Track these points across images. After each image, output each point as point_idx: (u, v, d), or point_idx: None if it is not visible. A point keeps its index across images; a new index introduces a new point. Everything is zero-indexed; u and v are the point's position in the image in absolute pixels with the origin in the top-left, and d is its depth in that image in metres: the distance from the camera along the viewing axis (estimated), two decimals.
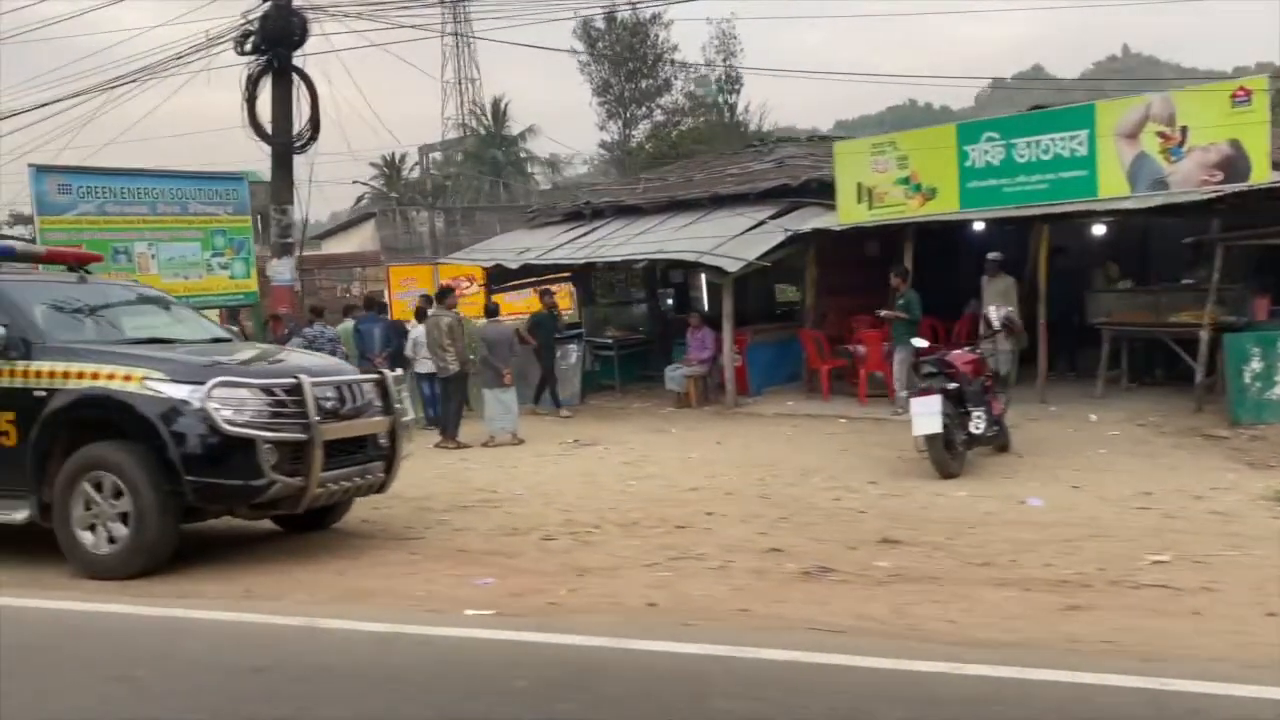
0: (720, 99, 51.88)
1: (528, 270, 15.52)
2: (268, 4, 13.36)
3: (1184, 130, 10.23)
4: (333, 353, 10.51)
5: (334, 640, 4.38)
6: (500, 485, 8.96)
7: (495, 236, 18.43)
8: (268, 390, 5.92)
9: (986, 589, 5.23)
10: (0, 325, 6.07)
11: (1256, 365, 9.54)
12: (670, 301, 17.96)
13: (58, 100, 14.10)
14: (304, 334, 12.08)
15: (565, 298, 18.18)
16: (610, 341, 15.96)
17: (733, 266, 12.66)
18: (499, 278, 16.53)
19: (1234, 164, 10.01)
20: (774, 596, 5.13)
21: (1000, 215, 11.53)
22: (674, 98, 58.84)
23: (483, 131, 55.47)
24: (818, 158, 15.85)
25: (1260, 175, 9.90)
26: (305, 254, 17.10)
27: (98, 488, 5.84)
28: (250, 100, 13.59)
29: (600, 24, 52.34)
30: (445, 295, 13.40)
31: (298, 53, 13.58)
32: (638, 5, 41.60)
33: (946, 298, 13.58)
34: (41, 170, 11.68)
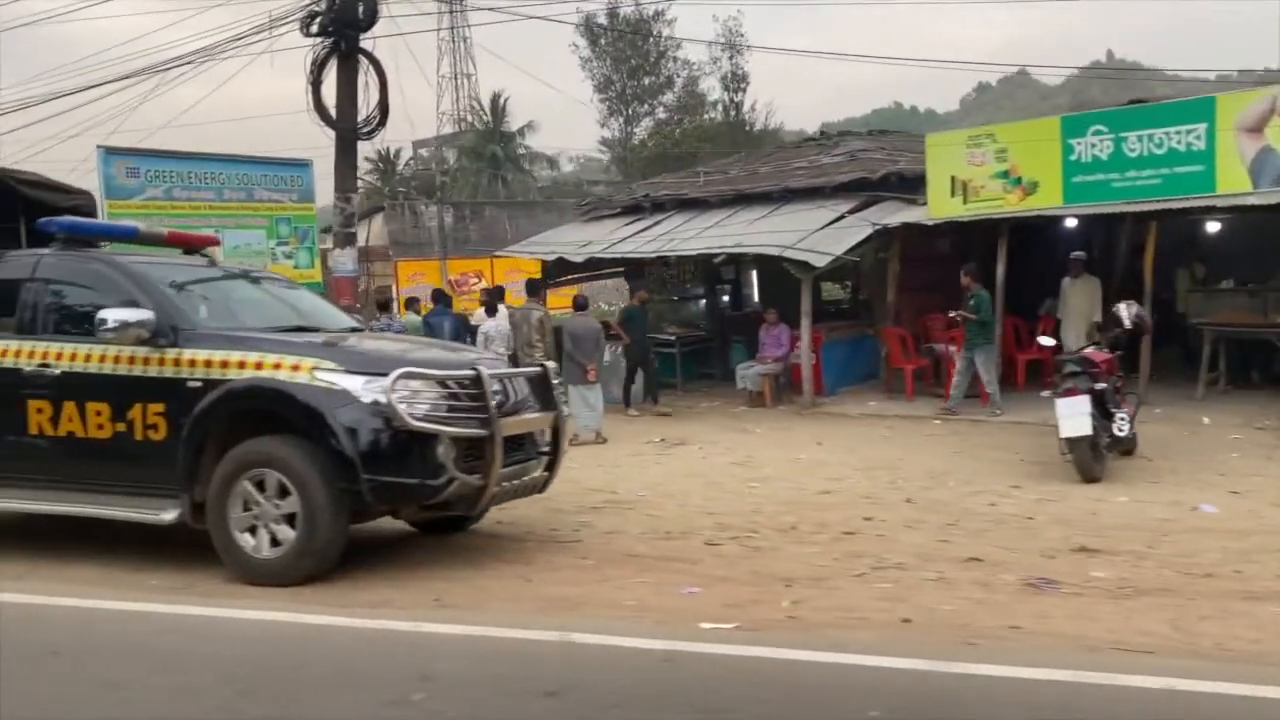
0: (726, 95, 51.53)
1: (562, 265, 15.19)
2: None
3: None
4: None
5: (610, 658, 3.94)
6: (615, 485, 8.55)
7: (551, 230, 18.00)
8: (447, 382, 5.49)
9: (1239, 602, 4.87)
10: (147, 310, 5.62)
11: None
12: (725, 298, 17.59)
13: (108, 81, 13.59)
14: (371, 327, 11.63)
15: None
16: (672, 339, 15.54)
17: (820, 261, 12.28)
18: (555, 271, 16.16)
19: None
20: (1020, 610, 4.74)
21: (1109, 210, 11.18)
22: (676, 95, 58.58)
23: (480, 126, 55.03)
24: (890, 151, 15.51)
25: None
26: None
27: (259, 486, 5.39)
28: (315, 84, 13.13)
29: (602, 20, 52.05)
30: (536, 288, 12.99)
31: (365, 35, 13.11)
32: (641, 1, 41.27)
33: (1019, 297, 13.27)
34: (110, 153, 11.19)
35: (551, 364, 6.73)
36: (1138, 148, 10.76)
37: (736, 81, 56.17)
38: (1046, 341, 10.01)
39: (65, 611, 4.83)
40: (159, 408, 5.58)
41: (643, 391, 13.45)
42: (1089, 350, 9.04)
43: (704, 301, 17.34)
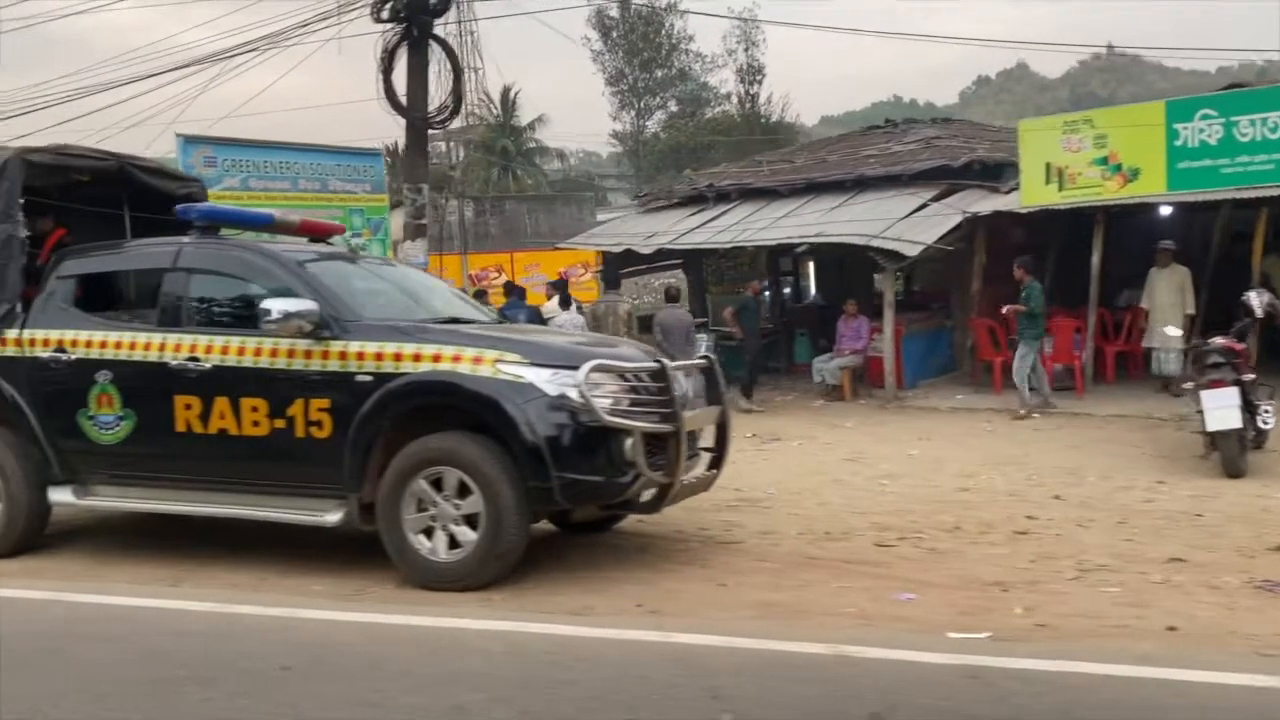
0: (742, 87, 51.12)
1: (623, 258, 14.90)
2: None
3: None
4: None
5: (900, 672, 3.61)
6: (735, 483, 8.20)
7: (611, 221, 17.70)
8: (634, 375, 5.19)
9: None
10: (310, 301, 5.31)
11: None
12: (787, 290, 17.30)
13: (170, 69, 13.28)
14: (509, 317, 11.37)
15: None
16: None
17: (911, 250, 11.98)
18: (614, 264, 15.88)
19: None
20: (1277, 616, 4.44)
21: (1217, 198, 10.86)
22: (689, 87, 58.16)
23: (491, 120, 54.59)
24: (967, 139, 15.21)
25: None
26: None
27: (436, 485, 5.10)
28: (385, 71, 12.80)
29: (614, 13, 51.54)
30: (615, 281, 12.71)
31: (439, 21, 12.78)
32: None
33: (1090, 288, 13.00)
34: (189, 141, 10.87)
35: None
36: (1250, 132, 10.44)
37: (752, 73, 55.73)
38: (1173, 332, 9.70)
39: (259, 621, 4.51)
40: (323, 403, 5.27)
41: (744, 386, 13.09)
42: (1219, 341, 8.71)
43: (767, 294, 17.01)
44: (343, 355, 5.26)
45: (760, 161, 17.15)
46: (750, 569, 5.45)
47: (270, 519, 5.51)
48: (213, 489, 5.67)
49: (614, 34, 55.24)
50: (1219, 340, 8.71)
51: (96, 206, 6.99)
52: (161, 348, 5.66)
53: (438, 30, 12.91)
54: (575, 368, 5.01)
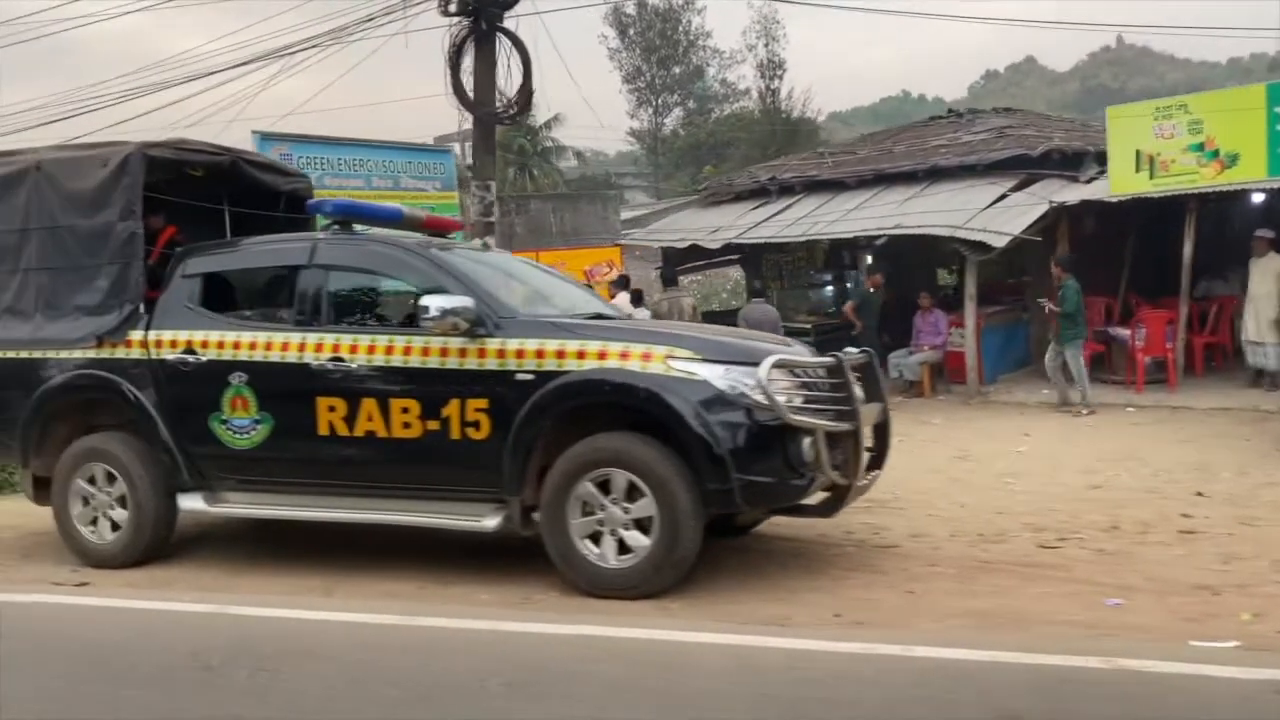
0: (762, 83, 50.79)
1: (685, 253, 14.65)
2: None
3: None
4: None
5: (1223, 692, 3.32)
6: None
7: (670, 216, 17.45)
8: (814, 371, 4.93)
9: None
10: (465, 297, 5.06)
11: None
12: (850, 285, 16.96)
13: (230, 66, 13.09)
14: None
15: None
16: (808, 328, 14.92)
17: (999, 241, 11.66)
18: (673, 260, 15.63)
19: None
20: None
21: None
22: (707, 84, 57.76)
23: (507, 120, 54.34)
24: (1039, 128, 14.89)
25: None
26: None
27: (602, 488, 4.85)
28: (453, 66, 12.58)
29: (631, 10, 51.15)
30: (672, 278, 12.46)
31: (509, 14, 12.55)
32: None
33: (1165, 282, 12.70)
34: (266, 138, 10.67)
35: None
36: None
37: (773, 68, 55.34)
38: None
39: (457, 635, 4.25)
40: (480, 403, 5.03)
41: None
42: None
43: (830, 289, 16.72)
44: (500, 353, 5.02)
45: (823, 153, 16.86)
46: (927, 574, 5.18)
47: (425, 525, 5.27)
48: (357, 494, 5.45)
49: (631, 31, 55.08)
50: None
51: (196, 201, 6.78)
52: (301, 348, 5.42)
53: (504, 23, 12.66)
54: (752, 363, 4.76)
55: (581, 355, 4.90)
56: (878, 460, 5.65)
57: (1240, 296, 11.98)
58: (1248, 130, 10.73)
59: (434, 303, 4.95)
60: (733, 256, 17.02)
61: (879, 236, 12.86)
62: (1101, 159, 13.24)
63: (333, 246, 5.64)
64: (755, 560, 5.55)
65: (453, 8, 12.47)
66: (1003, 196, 12.76)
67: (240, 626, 4.39)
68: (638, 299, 12.64)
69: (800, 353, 5.19)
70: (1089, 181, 12.85)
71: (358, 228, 5.93)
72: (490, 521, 5.09)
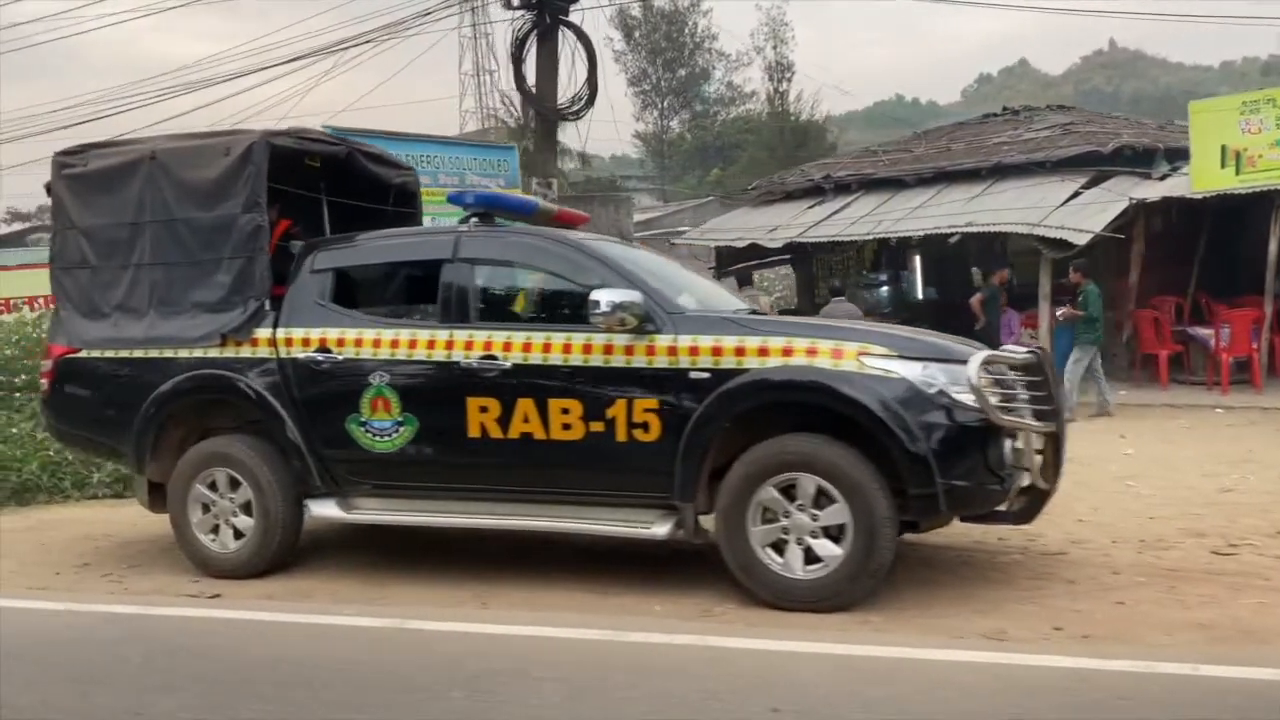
0: (770, 85, 50.68)
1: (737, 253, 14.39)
2: None
3: None
4: None
5: None
6: None
7: (722, 216, 17.18)
8: (1015, 368, 4.65)
9: None
10: (634, 291, 4.78)
11: None
12: (904, 286, 16.75)
13: (292, 60, 12.80)
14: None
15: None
16: None
17: (1079, 239, 11.43)
18: (728, 260, 15.42)
19: None
20: None
21: None
22: (714, 87, 57.57)
23: (511, 123, 54.17)
24: (1102, 124, 14.65)
25: None
26: None
27: (787, 494, 4.57)
28: (517, 60, 12.32)
29: (637, 13, 50.93)
30: (746, 277, 12.22)
31: (574, 8, 12.29)
32: None
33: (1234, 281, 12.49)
34: (338, 133, 10.34)
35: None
36: None
37: (781, 70, 55.19)
38: None
39: (655, 651, 3.97)
40: (650, 403, 4.74)
41: None
42: None
43: (885, 289, 16.46)
44: (672, 350, 4.73)
45: (876, 151, 16.61)
46: (1121, 584, 4.88)
47: (590, 532, 5.00)
48: (507, 500, 5.16)
49: (636, 34, 54.82)
50: None
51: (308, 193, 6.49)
52: (449, 345, 5.14)
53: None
54: (953, 361, 4.50)
55: (764, 352, 4.61)
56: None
57: None
58: None
59: (604, 297, 4.67)
60: (784, 257, 16.77)
61: (952, 235, 12.56)
62: (1171, 155, 13.03)
63: (478, 240, 5.35)
64: (923, 569, 5.26)
65: (516, 2, 12.20)
66: (1076, 194, 12.53)
67: (425, 641, 4.10)
68: None
69: (982, 350, 4.90)
70: (1163, 178, 12.63)
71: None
72: (660, 529, 4.80)
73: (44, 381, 6.19)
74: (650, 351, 4.76)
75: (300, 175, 6.28)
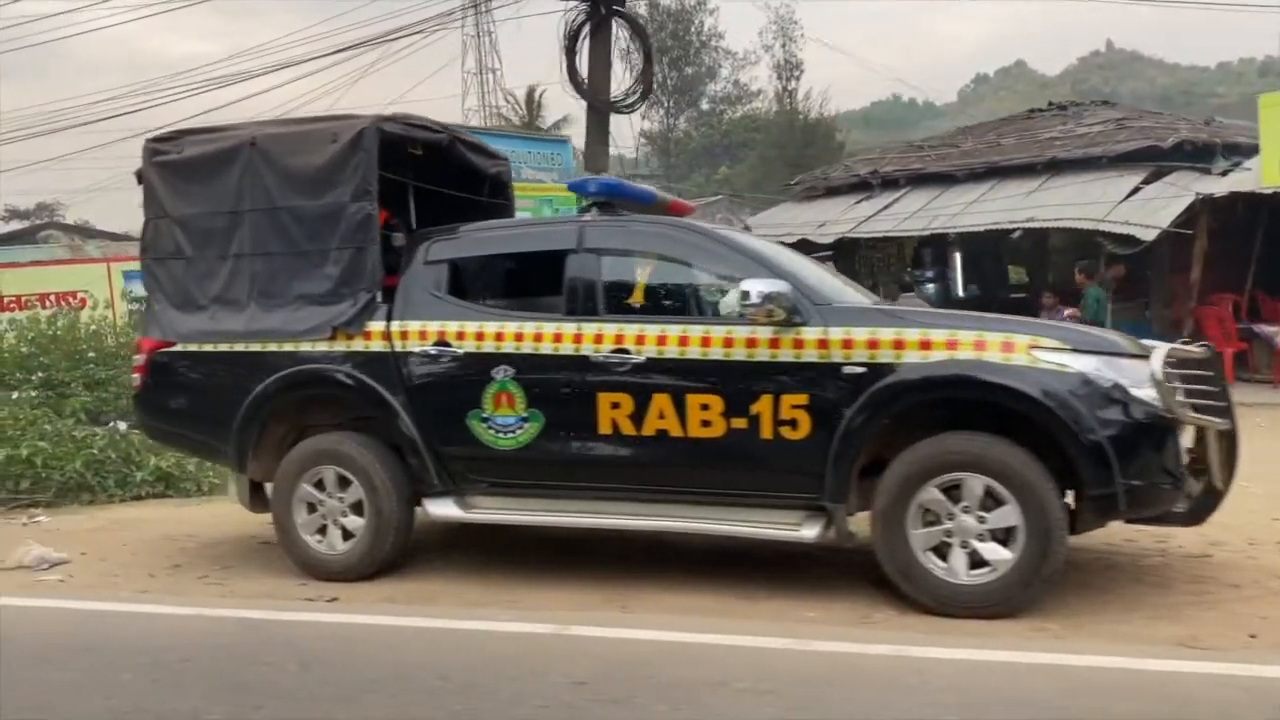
0: (779, 84, 50.51)
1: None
2: None
3: None
4: None
5: None
6: None
7: (767, 211, 16.99)
8: (1193, 364, 4.45)
9: None
10: (782, 281, 4.57)
11: None
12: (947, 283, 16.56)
13: (337, 50, 12.58)
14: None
15: None
16: None
17: (1147, 235, 11.24)
18: None
19: None
20: None
21: None
22: (719, 85, 57.42)
23: (517, 121, 53.82)
24: (1155, 119, 14.47)
25: None
26: None
27: (950, 494, 4.36)
28: (569, 52, 12.10)
29: (643, 10, 50.79)
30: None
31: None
32: None
33: None
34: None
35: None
36: None
37: (790, 69, 55.00)
38: None
39: (844, 660, 3.74)
40: (798, 399, 4.53)
41: None
42: None
43: (931, 285, 16.27)
44: (823, 343, 4.52)
45: (921, 146, 16.41)
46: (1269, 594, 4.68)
47: (734, 534, 4.78)
48: (637, 500, 4.94)
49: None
50: None
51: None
52: (578, 339, 4.92)
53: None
54: (1125, 355, 4.31)
55: (925, 345, 4.40)
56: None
57: None
58: None
59: (754, 287, 4.45)
60: (826, 253, 16.57)
61: (1013, 230, 12.37)
62: (1229, 151, 12.85)
63: (604, 230, 5.14)
64: (1072, 572, 5.04)
65: None
66: (1136, 189, 12.34)
67: (591, 648, 3.88)
68: None
69: (1163, 345, 4.69)
70: (1224, 174, 12.44)
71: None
72: (808, 531, 4.59)
73: (136, 376, 5.96)
74: (798, 345, 4.55)
75: (396, 163, 6.05)
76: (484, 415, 5.06)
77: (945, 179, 14.38)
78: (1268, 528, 5.96)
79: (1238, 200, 11.83)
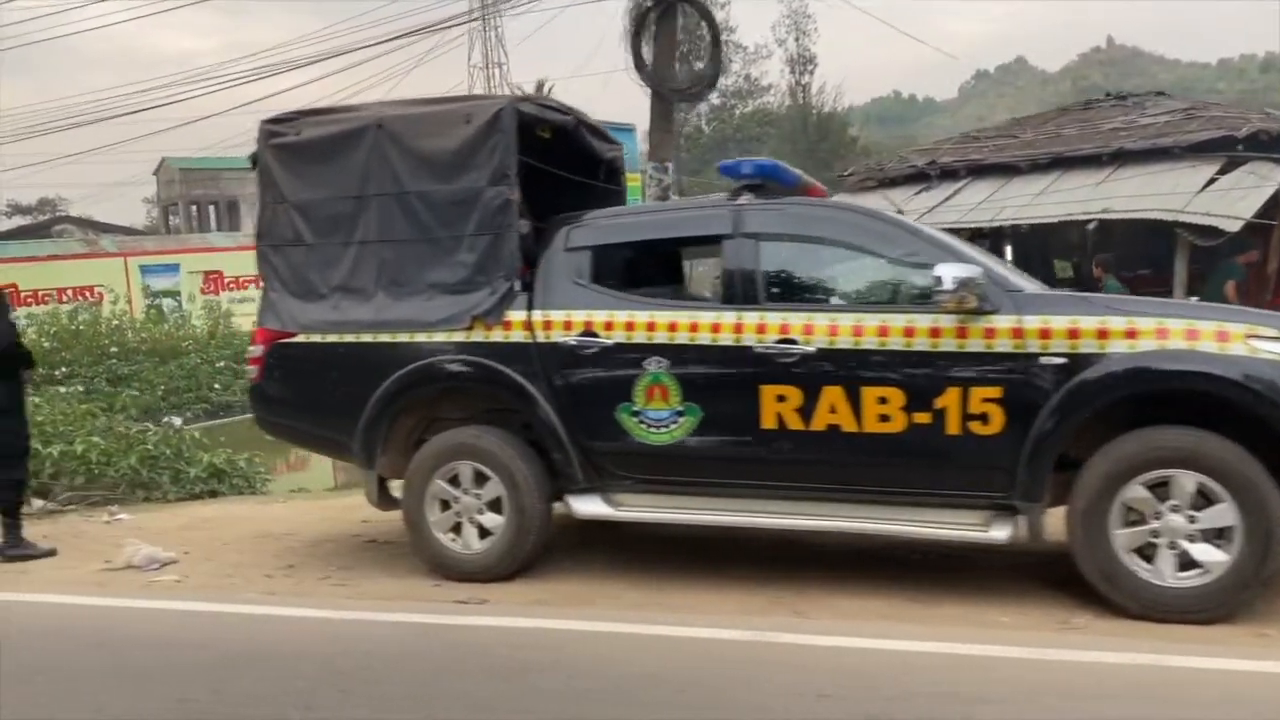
0: (792, 77, 50.26)
1: None
2: None
3: None
4: None
5: None
6: None
7: None
8: None
9: None
10: (975, 266, 4.32)
11: None
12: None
13: (385, 40, 12.32)
14: None
15: None
16: None
17: (1231, 226, 10.94)
18: None
19: None
20: None
21: None
22: (730, 80, 57.17)
23: None
24: (1225, 109, 14.19)
25: None
26: None
27: (1156, 492, 4.11)
28: (635, 38, 11.83)
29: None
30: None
31: None
32: None
33: None
34: None
35: None
36: None
37: (803, 62, 54.72)
38: None
39: (1093, 670, 3.50)
40: (990, 392, 4.29)
41: None
42: None
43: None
44: (1017, 332, 4.27)
45: (977, 136, 16.13)
46: None
47: (912, 536, 4.54)
48: (802, 498, 4.70)
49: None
50: None
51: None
52: (738, 329, 4.68)
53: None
54: None
55: (1132, 335, 4.15)
56: None
57: None
58: None
59: (948, 272, 4.20)
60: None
61: (1089, 221, 12.10)
62: None
63: (762, 213, 4.88)
64: None
65: None
66: (1213, 180, 12.06)
67: (790, 657, 3.64)
68: None
69: None
70: None
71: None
72: (999, 532, 4.34)
73: (252, 368, 5.71)
74: (989, 334, 4.30)
75: (523, 146, 5.79)
76: (635, 409, 4.82)
77: (1007, 170, 14.08)
78: None
79: None
